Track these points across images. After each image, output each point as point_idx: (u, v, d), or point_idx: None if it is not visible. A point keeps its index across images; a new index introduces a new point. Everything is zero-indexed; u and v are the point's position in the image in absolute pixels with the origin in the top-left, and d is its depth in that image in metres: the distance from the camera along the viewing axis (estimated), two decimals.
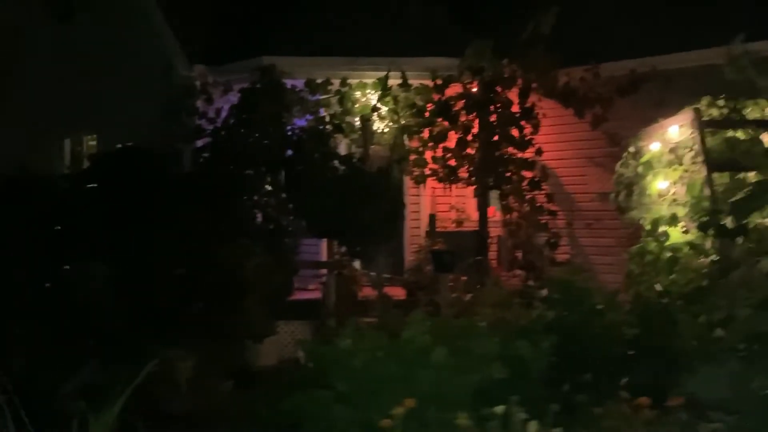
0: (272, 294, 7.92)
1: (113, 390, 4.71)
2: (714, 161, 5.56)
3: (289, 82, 8.71)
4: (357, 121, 9.06)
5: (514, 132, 8.99)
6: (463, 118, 9.05)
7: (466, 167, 9.21)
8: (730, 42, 8.12)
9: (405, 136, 9.11)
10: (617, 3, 9.24)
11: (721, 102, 6.24)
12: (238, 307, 7.41)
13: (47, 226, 7.38)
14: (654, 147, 6.07)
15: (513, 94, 9.02)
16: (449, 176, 9.21)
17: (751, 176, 5.58)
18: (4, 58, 11.99)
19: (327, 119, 8.81)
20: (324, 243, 9.69)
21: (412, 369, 3.39)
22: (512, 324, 4.32)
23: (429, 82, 9.03)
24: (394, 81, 8.89)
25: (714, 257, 5.23)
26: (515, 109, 8.98)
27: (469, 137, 9.04)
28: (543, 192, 8.98)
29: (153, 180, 7.40)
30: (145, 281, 6.95)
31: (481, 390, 3.30)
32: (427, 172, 9.30)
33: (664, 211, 5.64)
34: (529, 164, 8.95)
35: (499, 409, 2.95)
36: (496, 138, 8.98)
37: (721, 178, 5.63)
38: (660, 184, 5.86)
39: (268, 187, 8.23)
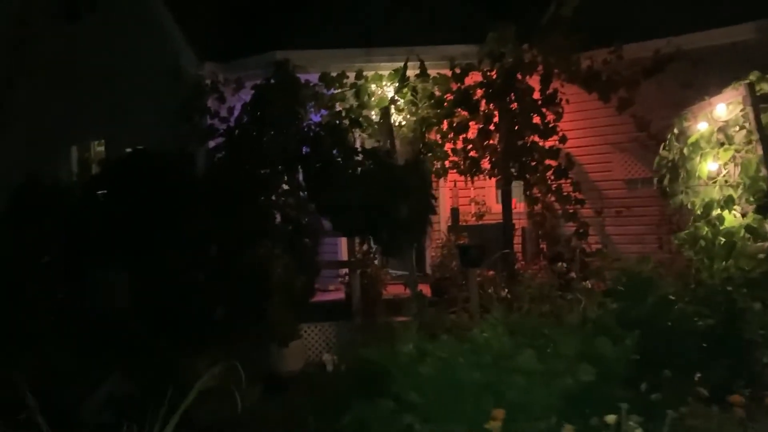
0: (296, 296, 7.69)
1: (149, 403, 4.49)
2: None
3: (302, 77, 8.43)
4: (374, 115, 8.78)
5: (537, 120, 8.70)
6: (483, 108, 8.76)
7: (488, 158, 8.93)
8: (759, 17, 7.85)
9: (424, 129, 8.82)
10: None
11: None
12: (262, 311, 7.17)
13: (62, 236, 7.17)
14: (701, 127, 5.76)
15: (534, 81, 8.73)
16: (471, 168, 8.93)
17: None
18: (8, 63, 11.74)
19: (343, 114, 8.52)
20: (344, 242, 9.44)
21: (499, 375, 3.07)
22: (562, 318, 4.03)
23: (447, 72, 8.74)
24: (411, 71, 8.60)
25: None
26: (537, 96, 8.69)
27: (491, 127, 8.75)
28: (569, 181, 8.68)
29: (168, 183, 7.16)
30: (166, 288, 6.72)
31: (570, 395, 3.01)
32: (448, 164, 9.01)
33: (715, 194, 5.34)
34: (553, 153, 8.66)
35: (611, 418, 2.65)
36: (518, 127, 8.69)
37: None
38: (709, 165, 5.56)
39: (285, 186, 7.98)
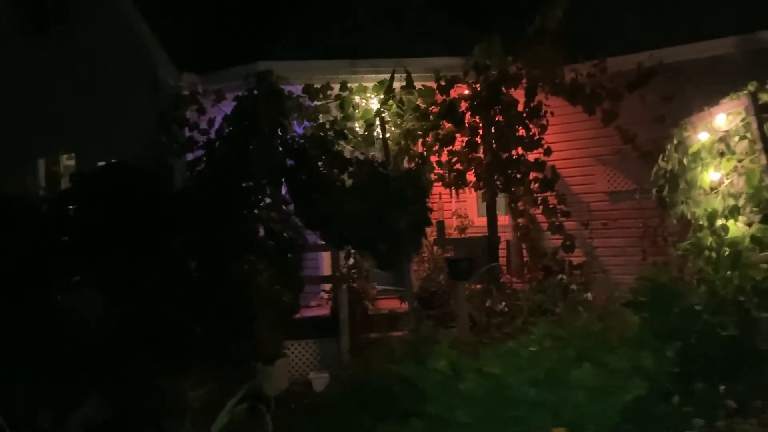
0: (281, 313, 7.47)
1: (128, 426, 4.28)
2: None
3: (285, 89, 8.26)
4: (358, 127, 8.66)
5: (522, 132, 8.68)
6: (468, 120, 8.71)
7: (473, 171, 8.86)
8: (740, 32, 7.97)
9: (409, 141, 8.72)
10: None
11: None
12: (246, 329, 6.94)
13: (29, 252, 6.84)
14: (702, 137, 5.77)
15: (519, 94, 8.71)
16: (456, 181, 8.85)
17: None
18: None
19: (327, 126, 8.37)
20: (326, 256, 9.24)
21: (555, 392, 2.92)
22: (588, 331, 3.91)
23: (432, 84, 8.67)
24: (396, 83, 8.51)
25: None
26: (521, 108, 8.67)
27: (477, 139, 8.69)
28: (554, 193, 8.66)
29: (143, 197, 6.90)
30: (142, 306, 6.46)
31: (623, 410, 2.88)
32: (433, 177, 8.92)
33: (717, 204, 5.33)
34: (539, 165, 8.63)
35: None
36: (503, 139, 8.65)
37: None
38: (711, 175, 5.55)
39: (268, 200, 7.79)
